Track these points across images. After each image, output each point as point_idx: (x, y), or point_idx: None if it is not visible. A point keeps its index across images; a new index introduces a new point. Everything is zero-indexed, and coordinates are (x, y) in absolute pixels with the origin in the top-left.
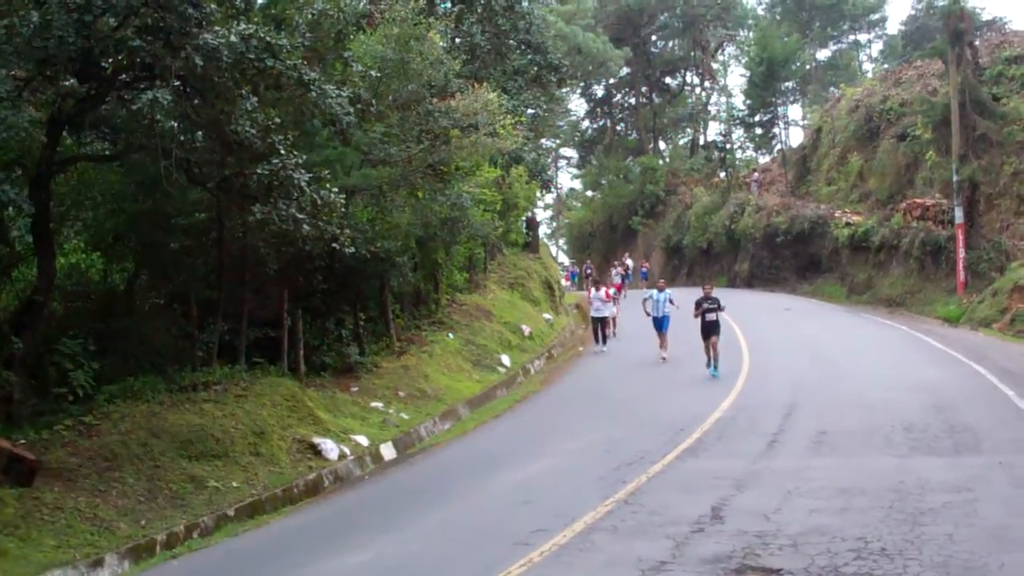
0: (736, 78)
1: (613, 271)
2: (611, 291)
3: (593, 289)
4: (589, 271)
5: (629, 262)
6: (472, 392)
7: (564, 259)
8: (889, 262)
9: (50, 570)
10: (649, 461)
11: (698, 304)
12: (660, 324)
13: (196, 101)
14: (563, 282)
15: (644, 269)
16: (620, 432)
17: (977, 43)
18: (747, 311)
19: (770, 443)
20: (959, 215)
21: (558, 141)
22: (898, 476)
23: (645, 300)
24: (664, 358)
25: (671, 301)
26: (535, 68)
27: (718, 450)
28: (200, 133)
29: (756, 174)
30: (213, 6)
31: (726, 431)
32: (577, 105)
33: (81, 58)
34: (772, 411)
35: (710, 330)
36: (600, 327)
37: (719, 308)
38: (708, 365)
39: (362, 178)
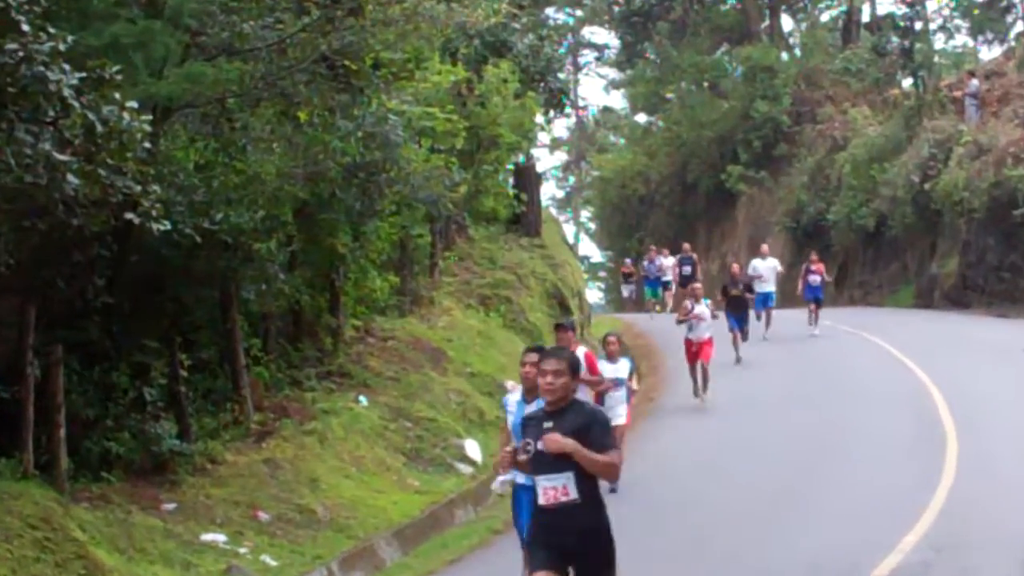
0: None
1: (694, 309)
2: (613, 364)
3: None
4: (688, 266)
5: (769, 266)
6: (406, 514)
7: (590, 247)
8: None
9: None
10: None
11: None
12: None
13: None
14: (626, 288)
15: (815, 277)
16: None
17: None
18: (952, 355)
19: None
20: None
21: (580, 14)
22: None
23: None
24: None
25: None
26: None
27: None
28: None
29: (974, 82)
30: None
31: None
32: None
33: None
34: (1000, 552)
35: None
36: None
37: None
38: None
39: (187, 82)
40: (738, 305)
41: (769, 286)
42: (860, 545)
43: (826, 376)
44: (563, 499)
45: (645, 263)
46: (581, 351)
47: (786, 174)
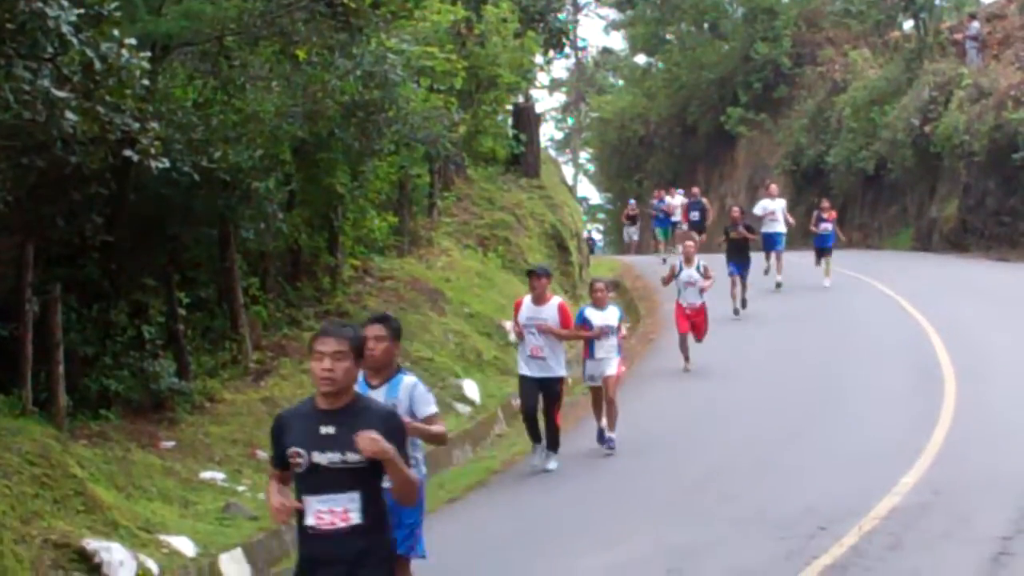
0: None
1: (681, 272)
2: (601, 311)
3: (527, 301)
4: (697, 212)
5: (779, 207)
6: None
7: (589, 189)
8: None
9: None
10: None
11: None
12: None
13: None
14: (630, 232)
15: (826, 226)
16: (700, 532)
17: None
18: (952, 299)
19: (995, 557)
20: None
21: None
22: None
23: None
24: None
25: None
26: None
27: (893, 571)
28: None
29: (975, 25)
30: None
31: (908, 533)
32: None
33: None
34: (998, 494)
35: None
36: (539, 408)
37: None
38: None
39: (185, 20)
40: (739, 249)
41: (779, 226)
42: (858, 488)
43: (825, 321)
44: (341, 524)
45: (654, 202)
46: (556, 300)
47: (786, 116)
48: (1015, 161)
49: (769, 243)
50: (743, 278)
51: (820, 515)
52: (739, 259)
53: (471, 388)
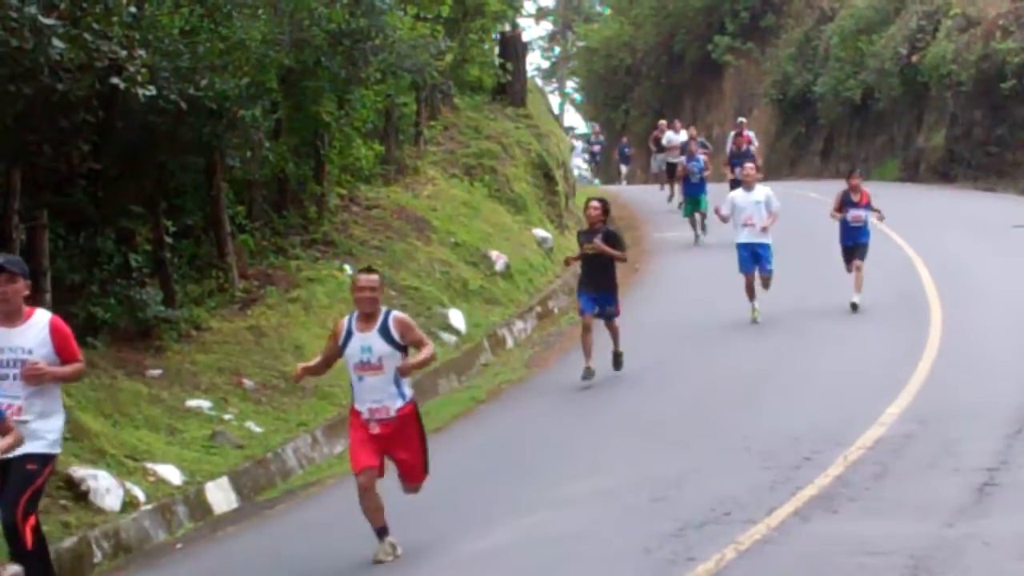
0: None
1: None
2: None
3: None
4: (750, 162)
5: (755, 201)
6: None
7: (576, 118)
8: None
9: None
10: (742, 520)
11: None
12: None
13: None
14: (659, 159)
15: (858, 213)
16: (684, 462)
17: None
18: (939, 229)
19: (981, 487)
20: None
21: None
22: None
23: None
24: None
25: None
26: None
27: (878, 500)
28: None
29: None
30: None
31: (894, 463)
32: None
33: None
34: (984, 424)
35: None
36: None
37: None
38: None
39: None
40: (597, 272)
41: (762, 235)
42: (843, 417)
43: (809, 250)
44: None
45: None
46: (44, 317)
47: (773, 45)
48: (1003, 91)
49: (747, 258)
50: (607, 318)
51: (805, 445)
52: (598, 287)
53: (457, 317)
